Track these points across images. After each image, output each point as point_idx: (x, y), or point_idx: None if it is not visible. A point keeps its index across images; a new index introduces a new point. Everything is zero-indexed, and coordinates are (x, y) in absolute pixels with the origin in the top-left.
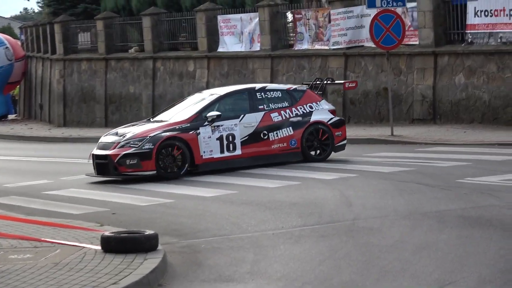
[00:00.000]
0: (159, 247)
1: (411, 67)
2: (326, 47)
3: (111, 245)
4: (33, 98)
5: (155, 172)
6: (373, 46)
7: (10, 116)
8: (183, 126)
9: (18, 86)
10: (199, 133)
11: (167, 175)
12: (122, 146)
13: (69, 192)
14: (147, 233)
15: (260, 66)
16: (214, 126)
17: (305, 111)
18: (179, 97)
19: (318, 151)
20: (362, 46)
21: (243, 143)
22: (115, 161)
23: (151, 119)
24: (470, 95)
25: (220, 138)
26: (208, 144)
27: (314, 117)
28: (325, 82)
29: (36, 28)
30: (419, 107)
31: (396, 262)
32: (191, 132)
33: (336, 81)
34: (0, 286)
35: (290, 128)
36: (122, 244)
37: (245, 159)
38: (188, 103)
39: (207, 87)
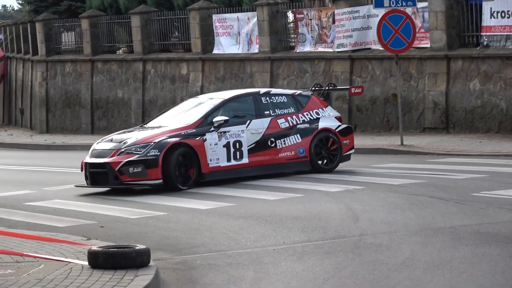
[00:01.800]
0: (151, 263)
1: (422, 71)
2: (330, 50)
3: (99, 260)
4: (13, 103)
5: (161, 181)
6: (381, 49)
7: None
8: (189, 131)
9: None
10: (206, 139)
11: (177, 186)
12: (124, 153)
13: (53, 203)
14: (138, 248)
15: (259, 70)
16: (221, 132)
17: (312, 118)
18: (172, 102)
19: (325, 161)
20: (369, 48)
21: (250, 151)
22: (116, 169)
23: (144, 125)
24: (486, 103)
25: (227, 145)
26: (215, 152)
27: (321, 124)
28: (327, 87)
29: (16, 27)
30: (431, 115)
31: (407, 281)
32: (197, 138)
33: (338, 87)
34: None
35: (298, 135)
36: (111, 260)
37: (252, 168)
38: (184, 108)
39: (202, 92)
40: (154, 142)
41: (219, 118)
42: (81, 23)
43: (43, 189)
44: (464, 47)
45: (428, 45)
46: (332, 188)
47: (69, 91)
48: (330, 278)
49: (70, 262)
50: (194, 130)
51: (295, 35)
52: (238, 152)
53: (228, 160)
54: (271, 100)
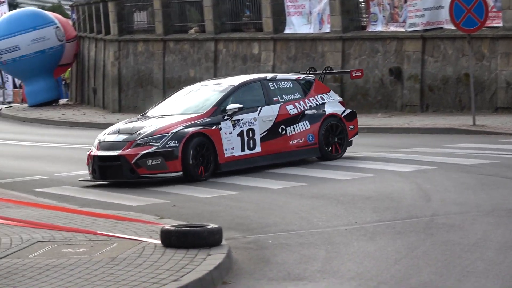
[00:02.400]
0: (223, 242)
1: (495, 51)
2: (402, 29)
3: (172, 239)
4: (86, 82)
5: (181, 173)
6: (453, 28)
7: (61, 101)
8: (204, 120)
9: (69, 69)
10: (221, 128)
11: (197, 177)
12: (139, 145)
13: (126, 182)
14: (211, 227)
15: (330, 49)
16: (235, 121)
17: (318, 103)
18: None
19: (331, 147)
20: (441, 28)
21: (262, 139)
22: (132, 162)
23: (145, 114)
24: None
25: (240, 134)
26: (229, 141)
27: (328, 110)
28: (324, 71)
29: (89, 7)
30: (503, 94)
31: (479, 262)
32: (213, 128)
33: (335, 70)
34: (53, 282)
35: (307, 122)
36: (183, 239)
37: (264, 157)
38: (186, 97)
39: (273, 71)
40: (172, 133)
41: (233, 106)
42: (153, 2)
43: None
44: None
45: (501, 25)
46: (403, 168)
47: (141, 71)
48: (402, 258)
49: (143, 241)
50: (209, 119)
51: (367, 15)
52: (251, 141)
53: (242, 149)
54: (278, 85)
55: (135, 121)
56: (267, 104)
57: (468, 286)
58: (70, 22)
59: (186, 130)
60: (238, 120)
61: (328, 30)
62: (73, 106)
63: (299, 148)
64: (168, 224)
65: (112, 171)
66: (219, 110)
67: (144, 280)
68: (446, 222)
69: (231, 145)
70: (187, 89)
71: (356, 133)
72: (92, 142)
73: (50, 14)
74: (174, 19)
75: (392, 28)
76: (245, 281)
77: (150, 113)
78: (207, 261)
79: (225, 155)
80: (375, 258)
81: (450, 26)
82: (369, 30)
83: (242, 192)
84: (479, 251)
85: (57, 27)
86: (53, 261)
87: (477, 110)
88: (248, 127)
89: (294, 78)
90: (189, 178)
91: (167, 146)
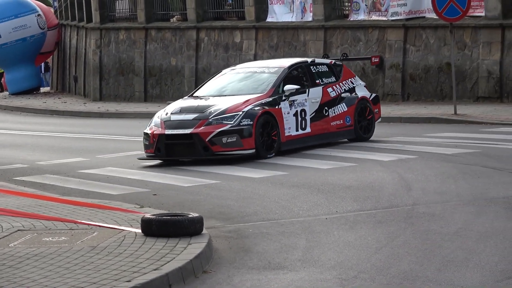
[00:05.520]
0: (204, 231)
1: (476, 40)
2: (384, 18)
3: (152, 228)
4: (67, 70)
5: (254, 151)
6: (435, 17)
7: (42, 89)
8: (267, 100)
9: (51, 56)
10: (281, 108)
11: (265, 154)
12: (211, 123)
13: (106, 171)
14: (191, 216)
15: (312, 38)
16: (291, 101)
17: (349, 87)
18: None
19: (362, 129)
20: (424, 17)
21: (311, 120)
22: (207, 139)
23: (194, 94)
24: None
25: (296, 114)
26: (288, 121)
27: (359, 93)
28: (342, 58)
29: None
30: (484, 84)
31: (459, 251)
32: (276, 107)
33: (350, 57)
34: (33, 271)
35: (344, 104)
36: (164, 228)
37: (312, 137)
38: (232, 79)
39: (255, 60)
40: (243, 111)
41: (290, 87)
42: None
43: (96, 157)
44: None
45: (483, 14)
46: (384, 157)
47: (123, 59)
48: (382, 247)
49: (124, 230)
50: (270, 99)
51: (349, 3)
52: (303, 121)
53: (297, 129)
54: (317, 69)
55: (192, 100)
56: (312, 86)
57: (448, 276)
58: (52, 10)
59: (256, 108)
60: (293, 101)
61: (310, 19)
62: (54, 94)
63: (339, 129)
64: (149, 213)
65: (182, 149)
66: (276, 91)
67: (125, 269)
68: (427, 211)
69: (288, 124)
70: (225, 71)
71: (380, 117)
72: (73, 131)
73: (32, 1)
74: (156, 7)
75: (374, 17)
76: (225, 270)
77: (198, 94)
78: (188, 250)
79: (285, 134)
80: (355, 247)
81: (432, 15)
82: (351, 19)
83: (223, 181)
84: (459, 240)
85: (39, 15)
86: (34, 249)
87: (458, 99)
88: (301, 107)
89: (328, 62)
90: (259, 156)
91: (241, 124)
